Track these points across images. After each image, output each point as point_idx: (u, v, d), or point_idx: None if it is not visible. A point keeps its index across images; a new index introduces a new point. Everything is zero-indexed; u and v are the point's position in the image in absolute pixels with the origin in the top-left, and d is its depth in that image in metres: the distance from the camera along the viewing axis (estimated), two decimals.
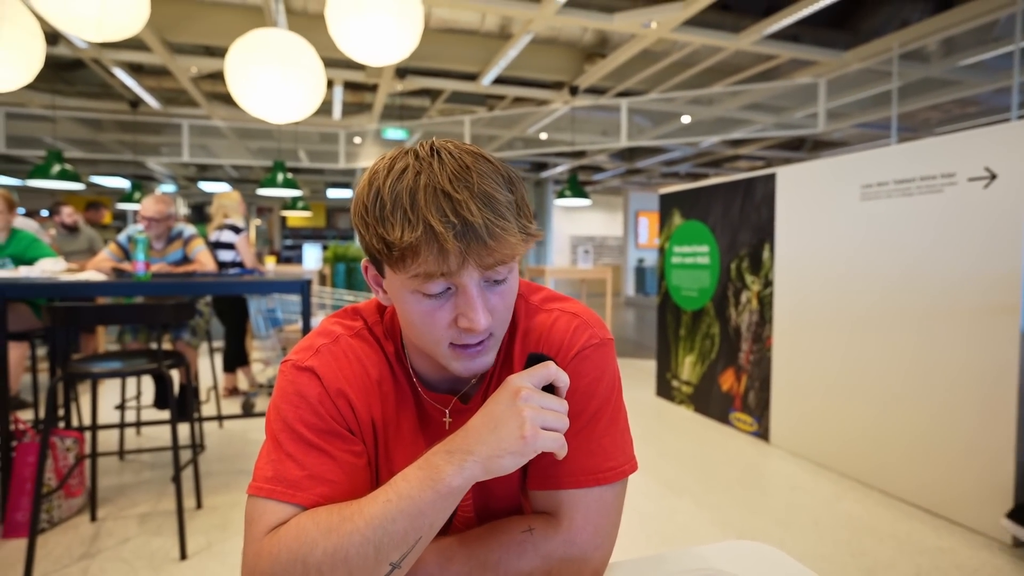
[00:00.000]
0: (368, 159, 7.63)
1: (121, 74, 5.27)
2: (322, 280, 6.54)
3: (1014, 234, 2.02)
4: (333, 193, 12.29)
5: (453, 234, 0.51)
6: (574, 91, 5.60)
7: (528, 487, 0.66)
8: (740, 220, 3.38)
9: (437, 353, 0.60)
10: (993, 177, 2.08)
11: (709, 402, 3.64)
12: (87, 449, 2.41)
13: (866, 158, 2.59)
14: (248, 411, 3.53)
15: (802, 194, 2.94)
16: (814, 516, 2.29)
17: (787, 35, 4.51)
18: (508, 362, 0.68)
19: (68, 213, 4.67)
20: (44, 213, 9.82)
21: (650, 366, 4.85)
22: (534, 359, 0.59)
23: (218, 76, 5.64)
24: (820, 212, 2.83)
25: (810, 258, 2.89)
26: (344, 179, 11.27)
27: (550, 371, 0.56)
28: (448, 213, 0.51)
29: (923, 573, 1.87)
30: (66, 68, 5.63)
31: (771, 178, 3.14)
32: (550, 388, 0.57)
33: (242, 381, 4.30)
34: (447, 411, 0.67)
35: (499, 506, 0.68)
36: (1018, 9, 3.69)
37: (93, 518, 2.18)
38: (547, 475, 0.64)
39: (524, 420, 0.52)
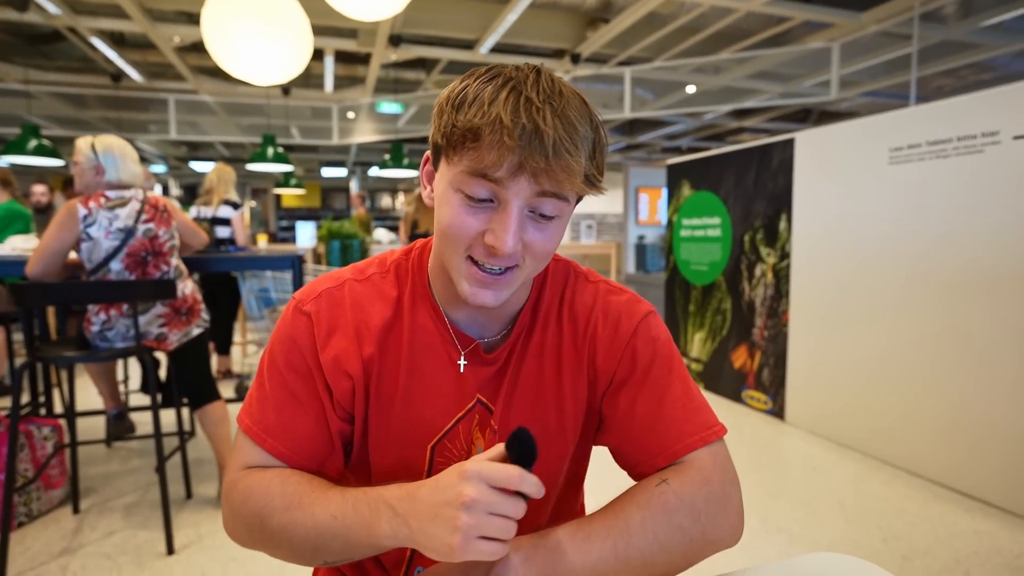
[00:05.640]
0: (362, 135, 7.39)
1: (100, 45, 5.02)
2: (316, 259, 6.37)
3: None
4: (328, 172, 12.03)
5: (519, 133, 0.49)
6: (576, 59, 5.37)
7: (635, 474, 0.64)
8: (754, 189, 3.21)
9: (453, 266, 0.57)
10: None
11: (720, 380, 3.52)
12: (67, 438, 2.27)
13: (896, 118, 2.42)
14: (242, 395, 3.40)
15: (823, 160, 2.77)
16: (839, 498, 2.17)
17: None
18: (546, 325, 0.66)
19: (41, 192, 4.49)
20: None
21: None
22: (515, 440, 0.48)
23: (203, 48, 5.39)
24: (843, 179, 2.66)
25: (831, 228, 2.73)
26: (339, 157, 11.01)
27: (511, 477, 0.46)
28: (521, 113, 0.49)
29: (961, 559, 1.76)
30: (43, 41, 5.37)
31: (789, 144, 2.96)
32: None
33: (236, 363, 4.16)
34: (463, 353, 0.64)
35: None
36: None
37: (76, 510, 2.05)
38: (657, 453, 0.61)
39: (457, 530, 0.45)
